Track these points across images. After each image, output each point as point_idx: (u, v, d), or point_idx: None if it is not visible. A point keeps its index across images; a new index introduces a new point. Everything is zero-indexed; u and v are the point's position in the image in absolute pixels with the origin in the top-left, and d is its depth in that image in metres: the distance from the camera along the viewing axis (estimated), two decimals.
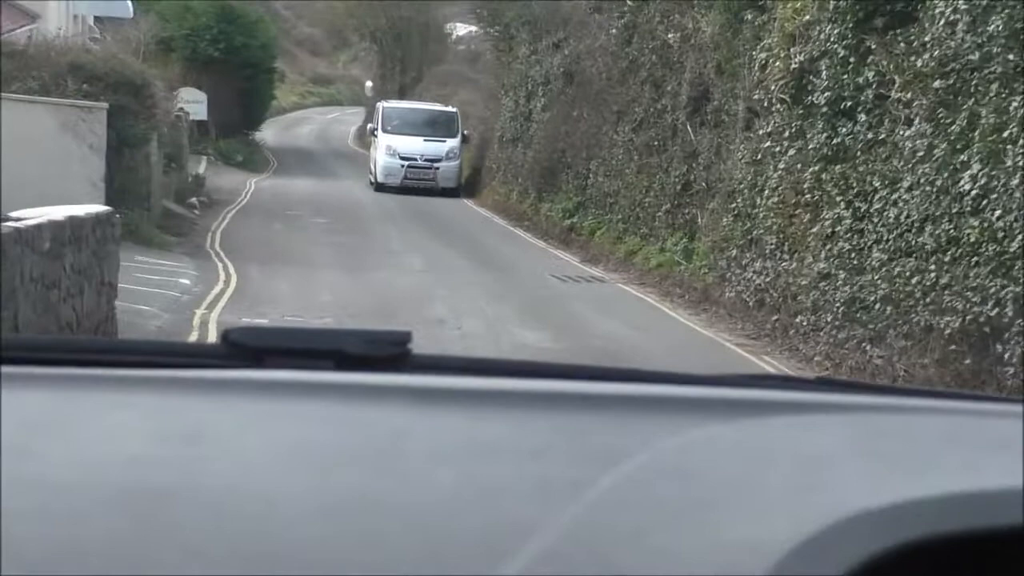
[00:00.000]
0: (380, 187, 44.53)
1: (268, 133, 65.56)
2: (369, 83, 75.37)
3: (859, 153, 17.65)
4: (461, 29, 71.56)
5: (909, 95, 16.30)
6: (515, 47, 44.17)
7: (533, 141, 39.40)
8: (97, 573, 1.33)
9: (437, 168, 44.80)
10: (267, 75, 57.27)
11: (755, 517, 1.50)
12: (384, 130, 46.22)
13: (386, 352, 1.99)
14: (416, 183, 44.23)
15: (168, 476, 1.54)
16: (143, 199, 27.13)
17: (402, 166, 44.58)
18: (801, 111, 19.45)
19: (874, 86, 17.53)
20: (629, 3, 30.26)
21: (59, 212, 12.40)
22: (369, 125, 51.20)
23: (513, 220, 37.50)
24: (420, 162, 44.62)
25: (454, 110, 48.43)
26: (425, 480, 1.57)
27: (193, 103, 48.19)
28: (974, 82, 14.78)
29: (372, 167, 46.41)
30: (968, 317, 14.03)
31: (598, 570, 1.39)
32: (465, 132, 46.82)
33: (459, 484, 1.57)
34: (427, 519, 1.48)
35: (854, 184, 17.51)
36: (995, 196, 13.92)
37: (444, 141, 45.43)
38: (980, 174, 14.15)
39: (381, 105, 49.16)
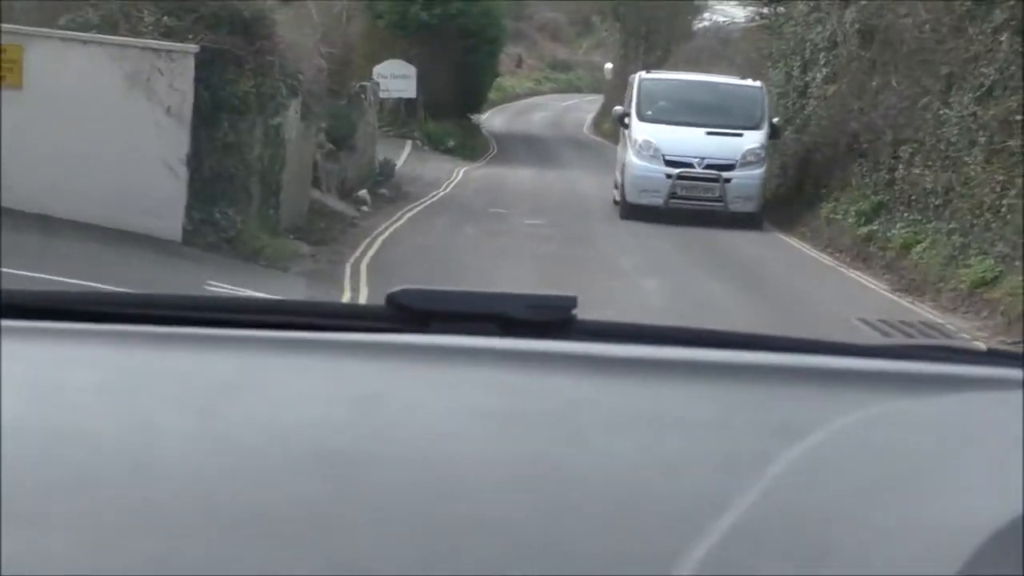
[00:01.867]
0: (631, 210, 27.15)
1: (496, 119, 58.78)
2: (609, 65, 66.79)
3: None
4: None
5: None
6: (788, 5, 34.20)
7: (809, 122, 29.67)
8: (285, 535, 1.28)
9: (728, 180, 26.81)
10: (490, 48, 47.44)
11: (952, 497, 1.41)
12: (641, 116, 28.52)
13: (551, 317, 1.91)
14: (690, 204, 26.79)
15: (354, 441, 1.53)
16: (259, 192, 18.26)
17: (668, 176, 26.76)
18: None
19: None
20: None
21: None
22: (616, 109, 31.64)
23: (782, 224, 27.50)
24: (698, 170, 26.85)
25: (758, 84, 29.68)
26: (606, 451, 1.52)
27: (398, 78, 40.07)
28: None
29: (619, 176, 29.10)
30: None
31: (791, 547, 1.31)
32: (775, 121, 28.79)
33: (641, 456, 1.52)
34: (612, 491, 1.42)
35: None
36: None
37: (740, 135, 27.54)
38: None
39: (637, 77, 30.93)
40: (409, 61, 40.68)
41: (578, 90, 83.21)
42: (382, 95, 39.73)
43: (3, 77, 16.21)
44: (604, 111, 60.08)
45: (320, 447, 1.49)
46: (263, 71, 17.57)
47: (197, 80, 16.56)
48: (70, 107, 16.05)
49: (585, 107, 71.21)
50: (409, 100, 41.52)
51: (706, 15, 62.38)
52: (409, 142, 40.63)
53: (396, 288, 1.95)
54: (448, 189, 32.67)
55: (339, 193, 25.19)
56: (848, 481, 1.44)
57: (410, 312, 1.91)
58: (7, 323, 1.81)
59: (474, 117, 50.06)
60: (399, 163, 36.01)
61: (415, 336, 1.88)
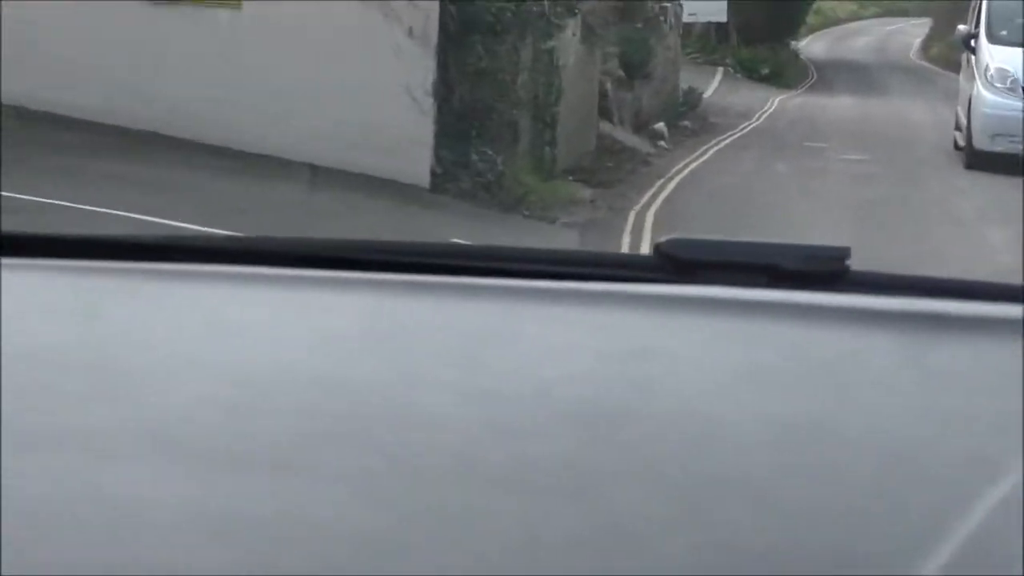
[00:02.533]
0: (979, 159, 20.72)
1: (815, 45, 54.75)
2: None
3: None
4: None
5: None
6: None
7: None
8: (547, 489, 1.25)
9: None
10: None
11: None
12: (993, 37, 21.96)
13: (823, 268, 1.81)
14: None
15: (618, 396, 1.49)
16: (529, 127, 15.31)
17: None
18: None
19: None
20: None
21: None
22: (960, 29, 24.30)
23: None
24: None
25: None
26: (875, 409, 1.46)
27: (708, 1, 36.53)
28: None
29: (961, 114, 22.69)
30: None
31: None
32: None
33: (912, 415, 1.45)
34: (880, 451, 1.35)
35: None
36: None
37: None
38: None
39: None
40: None
41: (904, 13, 76.96)
42: (688, 19, 36.47)
43: None
44: (934, 34, 55.61)
45: (584, 402, 1.45)
46: None
47: None
48: (295, 30, 13.40)
49: (911, 31, 65.64)
50: (720, 24, 38.03)
51: None
52: (720, 69, 37.23)
53: (664, 239, 1.86)
54: (760, 120, 29.27)
55: (632, 126, 22.11)
56: None
57: (677, 262, 1.81)
58: (271, 271, 1.82)
59: (791, 43, 46.00)
60: (708, 92, 32.78)
61: (682, 287, 1.79)
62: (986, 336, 1.67)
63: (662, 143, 22.17)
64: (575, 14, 17.27)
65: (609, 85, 21.19)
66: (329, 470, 1.26)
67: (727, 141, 24.55)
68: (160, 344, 1.56)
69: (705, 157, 21.66)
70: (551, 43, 16.35)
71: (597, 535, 1.17)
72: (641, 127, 22.47)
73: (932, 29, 58.10)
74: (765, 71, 38.79)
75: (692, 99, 27.87)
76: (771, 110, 31.83)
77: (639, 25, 24.33)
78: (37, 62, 13.51)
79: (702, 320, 1.71)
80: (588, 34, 18.29)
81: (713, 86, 34.57)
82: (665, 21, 26.78)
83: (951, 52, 38.24)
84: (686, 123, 25.30)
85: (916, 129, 28.78)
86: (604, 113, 20.86)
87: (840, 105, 33.77)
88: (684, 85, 28.93)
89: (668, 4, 27.96)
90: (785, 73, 40.70)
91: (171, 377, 1.46)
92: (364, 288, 1.80)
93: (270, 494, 1.19)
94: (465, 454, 1.31)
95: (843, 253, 1.80)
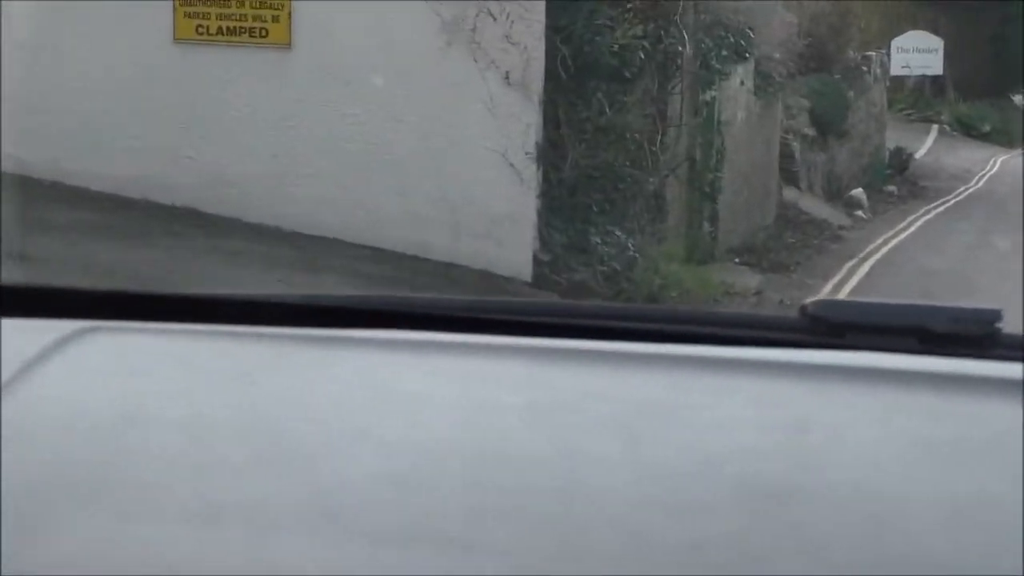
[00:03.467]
0: None
1: None
2: None
3: None
4: None
5: None
6: None
7: None
8: (716, 567, 1.23)
9: None
10: None
11: None
12: None
13: (974, 331, 1.71)
14: None
15: (784, 470, 1.42)
16: (681, 199, 11.93)
17: None
18: None
19: None
20: None
21: None
22: None
23: None
24: None
25: None
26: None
27: (921, 52, 32.55)
28: None
29: None
30: None
31: None
32: None
33: None
34: None
35: None
36: None
37: None
38: None
39: None
40: (935, 33, 33.08)
41: None
42: (902, 71, 32.56)
43: (266, 32, 10.48)
44: None
45: (750, 476, 1.39)
46: (662, 13, 10.88)
47: (550, 29, 10.21)
48: (360, 77, 10.22)
49: None
50: (935, 77, 33.87)
51: None
52: (934, 127, 33.13)
53: (812, 300, 1.84)
54: (979, 184, 25.25)
55: (824, 194, 18.48)
56: None
57: (827, 324, 1.75)
58: (430, 336, 1.78)
59: (1015, 97, 41.39)
60: (920, 152, 28.76)
61: (836, 353, 1.70)
62: None
63: (859, 213, 18.44)
64: (746, 58, 13.76)
65: (796, 145, 17.54)
66: (494, 546, 1.24)
67: (939, 209, 20.70)
68: (319, 414, 1.53)
69: (911, 230, 17.92)
70: (711, 93, 12.86)
71: None
72: (835, 194, 18.80)
73: None
74: (986, 128, 34.52)
75: (900, 160, 23.98)
76: (993, 171, 27.74)
77: (836, 76, 20.63)
78: (45, 120, 10.61)
79: (859, 389, 1.61)
80: (764, 83, 14.75)
81: (926, 145, 30.55)
82: (868, 72, 22.97)
83: None
84: (891, 188, 21.49)
85: None
86: (789, 179, 17.30)
87: None
88: (891, 145, 25.06)
89: (873, 53, 24.15)
90: (1008, 130, 36.26)
91: (331, 448, 1.43)
92: (524, 355, 1.74)
93: (435, 569, 1.19)
94: (630, 530, 1.27)
95: (994, 316, 1.72)
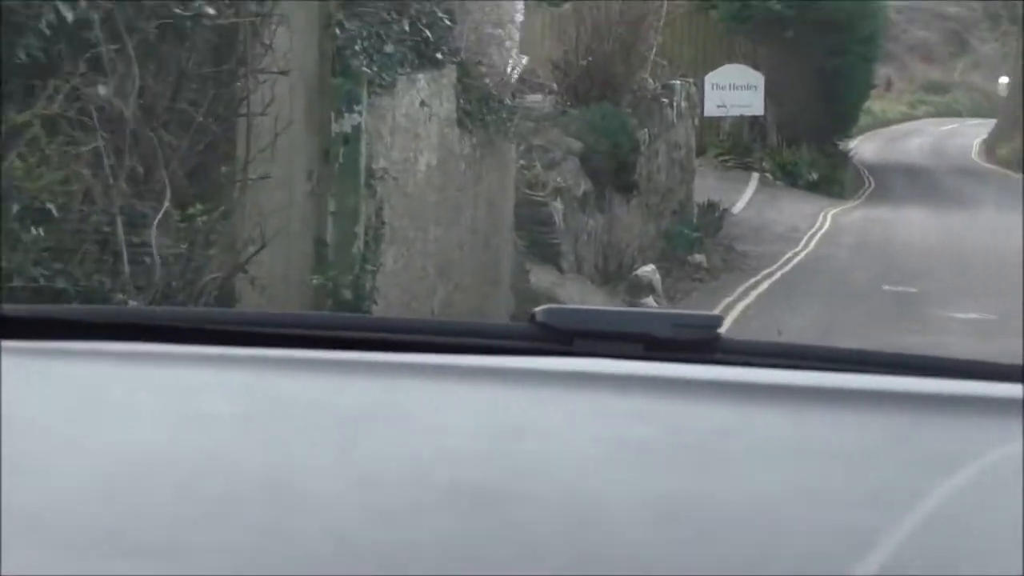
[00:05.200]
0: None
1: (866, 147, 44.70)
2: (1004, 79, 52.09)
3: None
4: None
5: None
6: None
7: None
8: (425, 572, 1.19)
9: None
10: (864, 50, 32.97)
11: None
12: None
13: (697, 336, 1.76)
14: None
15: (496, 474, 1.40)
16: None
17: None
18: None
19: None
20: None
21: None
22: None
23: None
24: None
25: None
26: (750, 482, 1.39)
27: (740, 89, 27.25)
28: None
29: None
30: None
31: None
32: None
33: (787, 487, 1.38)
34: (756, 524, 1.29)
35: None
36: None
37: None
38: None
39: None
40: (755, 67, 27.76)
41: (957, 114, 68.75)
42: (717, 111, 27.07)
43: None
44: (1001, 134, 46.56)
45: (462, 481, 1.36)
46: None
47: None
48: None
49: (967, 132, 56.71)
50: (755, 118, 28.47)
51: None
52: (755, 175, 27.75)
53: (540, 308, 1.82)
54: (810, 246, 19.69)
55: (601, 274, 12.42)
56: (1006, 520, 1.24)
57: (554, 331, 1.75)
58: (146, 347, 1.76)
59: (842, 143, 36.24)
60: (738, 206, 23.18)
61: (560, 360, 1.71)
62: (853, 407, 1.60)
63: (649, 300, 12.29)
64: (438, 63, 7.63)
65: (557, 205, 11.49)
66: (206, 553, 1.19)
67: (762, 287, 14.95)
68: (33, 424, 1.46)
69: (721, 329, 11.86)
70: (354, 117, 6.72)
71: None
72: (616, 274, 12.70)
73: (998, 128, 48.94)
74: (813, 176, 29.09)
75: (712, 219, 18.22)
76: (824, 229, 22.30)
77: (625, 108, 14.69)
78: None
79: (579, 395, 1.62)
80: (481, 109, 8.60)
81: (745, 198, 25.07)
82: (671, 105, 17.09)
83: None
84: (699, 259, 15.60)
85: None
86: (544, 255, 11.27)
87: (912, 221, 24.21)
88: (702, 198, 19.32)
89: (677, 82, 18.30)
90: (836, 179, 30.96)
91: (45, 459, 1.37)
92: (241, 364, 1.71)
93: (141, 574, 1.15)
94: (342, 536, 1.22)
95: (716, 321, 1.78)
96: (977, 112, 64.88)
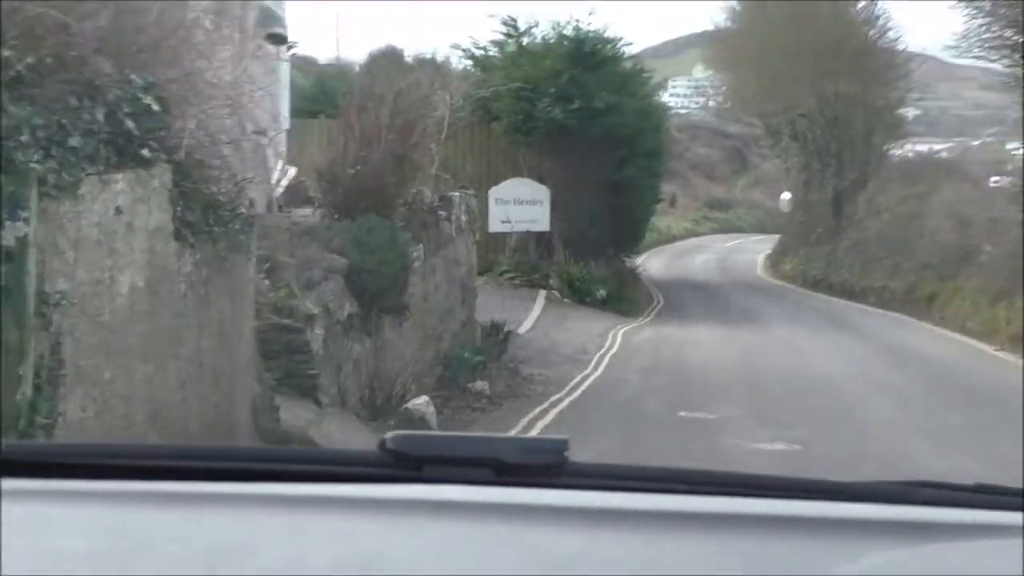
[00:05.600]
0: None
1: (653, 262, 44.80)
2: (786, 195, 52.56)
3: None
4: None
5: None
6: None
7: None
8: None
9: None
10: (650, 164, 32.32)
11: None
12: None
13: (544, 460, 1.75)
14: None
15: None
16: None
17: None
18: None
19: None
20: None
21: None
22: None
23: None
24: None
25: None
26: None
27: (525, 203, 26.20)
28: None
29: None
30: None
31: None
32: None
33: None
34: None
35: None
36: None
37: None
38: None
39: None
40: (540, 180, 26.80)
41: (741, 230, 70.49)
42: (502, 226, 25.90)
43: None
44: (785, 249, 46.85)
45: None
46: None
47: None
48: None
49: (751, 247, 57.76)
50: (541, 234, 27.42)
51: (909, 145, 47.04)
52: (542, 293, 26.51)
53: (389, 435, 1.79)
54: (600, 369, 18.47)
55: (367, 407, 10.85)
56: None
57: (404, 458, 1.72)
58: (7, 483, 1.68)
59: (629, 259, 35.54)
60: (525, 327, 21.90)
61: (412, 488, 1.68)
62: (699, 530, 1.60)
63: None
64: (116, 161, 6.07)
65: (316, 332, 9.95)
66: None
67: (550, 416, 13.57)
68: None
69: None
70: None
71: None
72: (384, 408, 11.14)
73: (781, 243, 49.37)
74: (602, 293, 28.06)
75: (496, 341, 16.84)
76: (614, 349, 21.15)
77: (398, 222, 13.28)
78: None
79: (433, 522, 1.59)
80: (199, 221, 7.02)
81: (533, 316, 23.86)
82: (449, 219, 15.77)
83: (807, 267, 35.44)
84: (481, 386, 14.16)
85: (820, 370, 18.33)
86: (301, 388, 9.68)
87: (704, 340, 23.26)
88: (485, 319, 18.00)
89: (456, 194, 17.02)
90: (625, 296, 30.07)
91: None
92: (96, 499, 1.64)
93: None
94: None
95: (561, 445, 1.73)
96: (760, 228, 66.09)
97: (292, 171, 17.44)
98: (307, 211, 14.30)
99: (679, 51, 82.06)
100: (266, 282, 9.42)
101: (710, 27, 51.72)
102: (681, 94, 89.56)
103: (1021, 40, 25.88)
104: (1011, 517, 1.71)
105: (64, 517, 1.58)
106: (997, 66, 29.95)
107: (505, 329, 17.62)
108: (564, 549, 1.53)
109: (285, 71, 17.04)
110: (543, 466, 1.71)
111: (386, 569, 1.46)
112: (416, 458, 1.71)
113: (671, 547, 1.55)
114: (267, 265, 9.75)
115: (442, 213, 15.28)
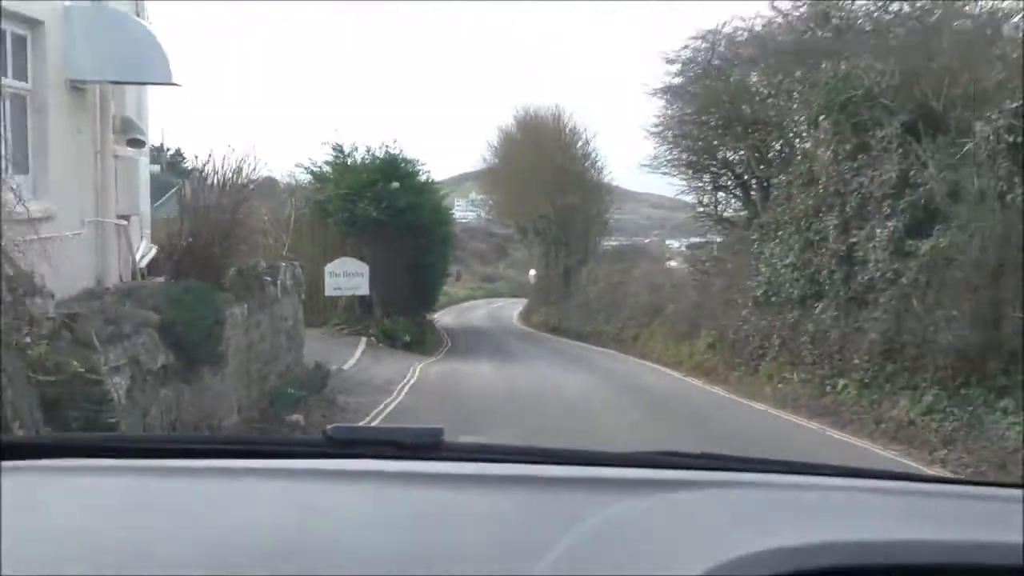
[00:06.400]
0: None
1: (445, 317, 41.71)
2: (532, 271, 50.18)
3: None
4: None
5: None
6: None
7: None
8: None
9: None
10: (442, 249, 29.69)
11: (667, 565, 1.20)
12: None
13: (428, 441, 1.62)
14: None
15: (298, 539, 1.26)
16: None
17: None
18: None
19: None
20: None
21: None
22: None
23: None
24: None
25: None
26: (448, 540, 1.29)
27: (351, 275, 22.91)
28: None
29: None
30: None
31: None
32: None
33: (476, 542, 1.29)
34: (451, 565, 1.21)
35: None
36: None
37: None
38: None
39: None
40: (362, 259, 23.70)
41: (502, 295, 67.39)
42: (334, 292, 22.71)
43: None
44: (532, 307, 44.76)
45: (273, 542, 1.23)
46: None
47: None
48: None
49: (510, 307, 54.47)
50: (363, 297, 24.31)
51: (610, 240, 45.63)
52: (363, 339, 23.24)
53: (331, 426, 1.64)
54: (401, 396, 15.34)
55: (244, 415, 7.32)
56: (602, 563, 1.20)
57: (336, 442, 1.60)
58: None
59: (428, 314, 32.59)
60: (348, 364, 18.69)
61: (341, 461, 1.55)
62: (508, 487, 1.48)
63: None
64: None
65: (118, 381, 6.57)
66: None
67: None
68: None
69: None
70: None
71: None
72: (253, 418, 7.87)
73: (529, 304, 47.41)
74: (407, 339, 24.98)
75: (318, 378, 13.58)
76: (413, 380, 18.06)
77: (225, 284, 10.03)
78: None
79: (355, 485, 1.47)
80: None
81: (355, 357, 20.56)
82: (275, 283, 12.52)
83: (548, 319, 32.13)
84: (295, 418, 10.90)
85: (571, 397, 15.75)
86: (102, 430, 6.14)
87: (482, 372, 20.38)
88: (316, 360, 14.79)
89: (283, 264, 13.78)
90: (425, 340, 27.06)
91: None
92: (132, 472, 1.49)
93: None
94: None
95: (439, 432, 1.60)
96: (515, 294, 64.10)
97: (154, 249, 14.02)
98: (161, 279, 11.01)
99: (460, 182, 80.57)
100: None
101: (482, 164, 49.49)
102: (463, 209, 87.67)
103: (692, 159, 24.10)
104: (717, 476, 1.58)
105: (61, 491, 1.37)
106: (666, 189, 28.54)
107: (327, 367, 14.40)
108: (441, 502, 1.42)
109: (145, 168, 13.59)
110: (427, 445, 1.59)
111: (323, 514, 1.32)
112: (344, 441, 1.57)
113: (513, 501, 1.41)
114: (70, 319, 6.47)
115: (267, 278, 12.04)
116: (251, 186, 10.27)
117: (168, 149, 15.69)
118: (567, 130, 42.95)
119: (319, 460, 1.57)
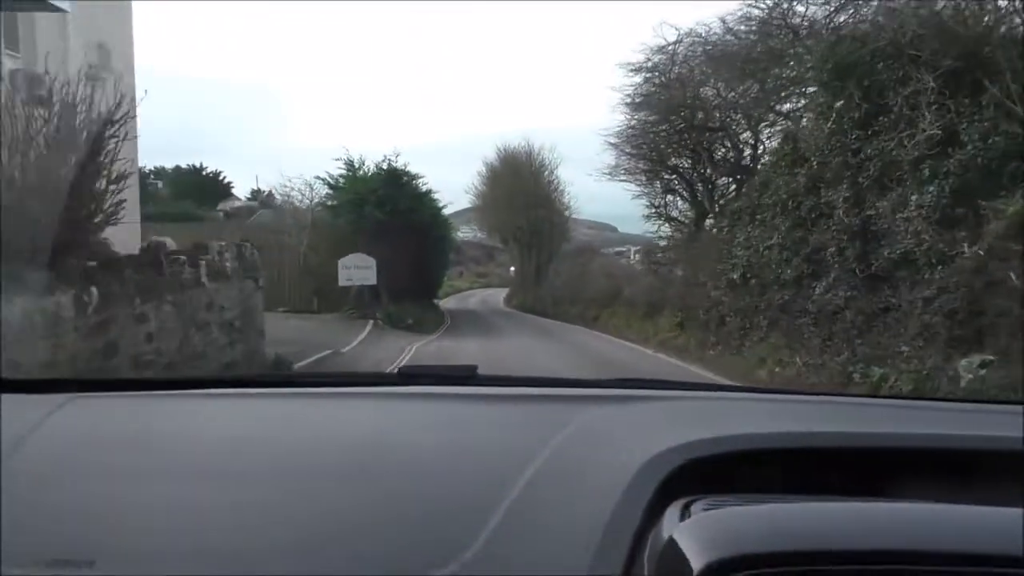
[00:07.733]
0: None
1: (449, 303, 35.70)
2: (513, 268, 44.98)
3: None
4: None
5: None
6: None
7: None
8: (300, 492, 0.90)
9: None
10: (440, 246, 24.37)
11: (615, 455, 1.02)
12: None
13: (465, 373, 1.44)
14: None
15: (368, 455, 1.04)
16: None
17: None
18: None
19: None
20: None
21: None
22: None
23: None
24: None
25: None
26: (482, 438, 1.11)
27: (361, 268, 17.23)
28: None
29: None
30: None
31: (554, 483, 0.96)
32: None
33: (500, 439, 1.11)
34: (484, 457, 1.04)
35: None
36: None
37: None
38: None
39: None
40: (370, 254, 18.26)
41: (492, 286, 61.76)
42: (346, 283, 17.29)
43: None
44: (513, 294, 39.77)
45: (352, 464, 1.00)
46: None
47: None
48: None
49: (498, 294, 48.91)
50: (372, 286, 18.86)
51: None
52: (370, 322, 17.76)
53: (403, 366, 1.45)
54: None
55: None
56: (560, 456, 1.00)
57: (406, 376, 1.42)
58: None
59: (435, 301, 27.07)
60: (351, 345, 13.14)
61: (413, 388, 1.37)
62: (508, 403, 1.27)
63: None
64: None
65: None
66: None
67: None
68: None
69: None
70: None
71: None
72: None
73: (511, 292, 42.39)
74: (410, 321, 19.51)
75: (280, 366, 8.03)
76: (407, 359, 12.64)
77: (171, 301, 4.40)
78: None
79: (417, 405, 1.29)
80: None
81: (359, 338, 15.09)
82: (193, 264, 7.00)
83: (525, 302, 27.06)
84: None
85: (545, 365, 10.48)
86: None
87: (470, 349, 14.95)
88: (314, 342, 9.24)
89: (217, 244, 8.24)
90: (427, 320, 21.58)
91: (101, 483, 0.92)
92: (240, 398, 1.25)
93: None
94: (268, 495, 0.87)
95: (474, 368, 1.45)
96: (502, 285, 59.31)
97: None
98: None
99: (463, 215, 76.42)
100: None
101: (475, 191, 44.43)
102: (465, 233, 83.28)
103: (647, 167, 18.75)
104: (663, 392, 1.34)
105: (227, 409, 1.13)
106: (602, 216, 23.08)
107: (287, 360, 8.91)
108: (476, 414, 1.22)
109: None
110: (466, 376, 1.40)
111: (399, 422, 1.15)
112: (411, 375, 1.39)
113: (523, 412, 1.20)
114: None
115: (182, 258, 6.50)
116: (118, 126, 4.74)
117: None
118: (536, 163, 38.23)
119: (394, 387, 1.38)
